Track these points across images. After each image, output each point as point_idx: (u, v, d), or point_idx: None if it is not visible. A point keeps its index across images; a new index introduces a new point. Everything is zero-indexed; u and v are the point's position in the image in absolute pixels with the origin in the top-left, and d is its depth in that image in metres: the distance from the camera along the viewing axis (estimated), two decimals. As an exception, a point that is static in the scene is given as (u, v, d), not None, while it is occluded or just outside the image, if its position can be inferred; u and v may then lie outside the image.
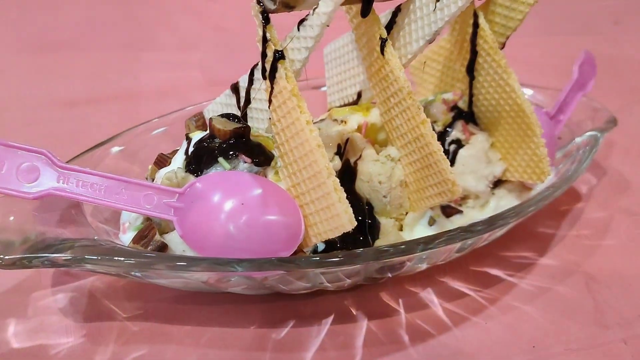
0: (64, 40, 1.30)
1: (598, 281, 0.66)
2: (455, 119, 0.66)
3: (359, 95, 0.65)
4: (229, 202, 0.50)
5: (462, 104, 0.67)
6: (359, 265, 0.52)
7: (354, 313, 0.60)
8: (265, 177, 0.53)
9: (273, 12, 0.48)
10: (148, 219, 0.54)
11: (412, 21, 0.56)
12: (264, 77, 0.50)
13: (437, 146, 0.54)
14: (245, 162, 0.52)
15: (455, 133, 0.65)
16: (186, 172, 0.53)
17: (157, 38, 1.35)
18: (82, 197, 0.50)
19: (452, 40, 0.66)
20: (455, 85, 0.68)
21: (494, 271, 0.67)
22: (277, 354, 0.55)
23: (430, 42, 0.56)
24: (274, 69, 0.49)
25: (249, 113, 0.58)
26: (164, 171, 0.54)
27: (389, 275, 0.58)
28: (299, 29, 0.49)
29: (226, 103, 0.61)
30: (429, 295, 0.63)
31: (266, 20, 0.48)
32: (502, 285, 0.65)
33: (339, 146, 0.60)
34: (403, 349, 0.56)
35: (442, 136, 0.65)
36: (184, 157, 0.54)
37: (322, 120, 0.64)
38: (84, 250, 0.49)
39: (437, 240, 0.52)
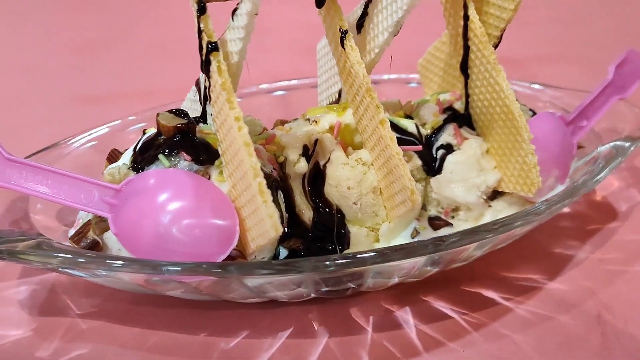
0: (95, 40, 1.34)
1: (613, 313, 0.57)
2: (447, 122, 0.59)
3: (340, 93, 0.61)
4: (160, 201, 0.47)
5: (460, 106, 0.60)
6: (295, 275, 0.47)
7: (316, 328, 0.55)
8: (209, 176, 0.50)
9: (209, 0, 0.45)
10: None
11: (379, 11, 0.50)
12: (201, 70, 0.47)
13: (396, 149, 0.48)
14: (186, 160, 0.50)
15: (445, 137, 0.59)
16: (129, 168, 0.51)
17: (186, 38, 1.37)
18: (26, 190, 0.50)
19: (448, 35, 0.60)
20: (456, 86, 0.61)
21: (489, 293, 0.60)
22: (222, 364, 0.52)
23: (394, 34, 0.50)
24: (207, 61, 0.46)
25: (208, 109, 0.55)
26: (110, 167, 0.52)
27: (351, 285, 0.53)
28: (232, 19, 0.46)
29: (193, 99, 0.59)
30: (404, 315, 0.57)
31: (201, 11, 0.46)
32: (494, 309, 0.58)
33: (306, 147, 0.56)
34: (357, 373, 0.51)
35: (429, 140, 0.59)
36: (132, 153, 0.53)
37: (295, 119, 0.60)
38: (21, 245, 0.48)
39: (391, 254, 0.47)
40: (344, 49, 0.50)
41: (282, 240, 0.57)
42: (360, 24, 0.53)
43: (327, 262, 0.44)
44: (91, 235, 0.49)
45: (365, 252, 0.46)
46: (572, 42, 1.19)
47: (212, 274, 0.44)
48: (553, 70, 1.06)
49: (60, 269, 0.48)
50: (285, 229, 0.56)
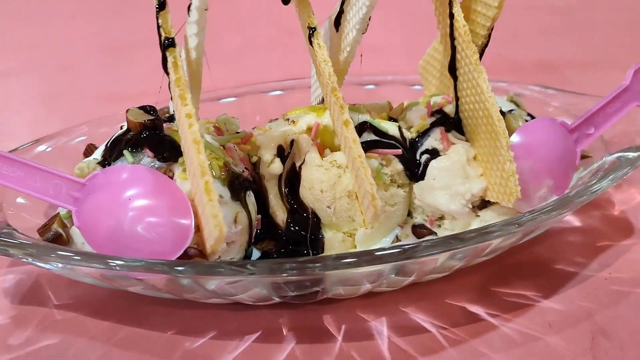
0: (133, 41, 1.36)
1: (610, 337, 0.52)
2: (434, 126, 0.56)
3: (326, 94, 0.59)
4: (117, 197, 0.48)
5: (450, 109, 0.57)
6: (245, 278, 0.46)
7: (284, 333, 0.54)
8: (172, 174, 0.50)
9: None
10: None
11: (350, 8, 0.48)
12: (162, 67, 0.47)
13: (358, 152, 0.46)
14: (149, 157, 0.49)
15: (430, 141, 0.56)
16: (97, 163, 0.52)
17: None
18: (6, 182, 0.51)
19: (440, 35, 0.57)
20: (450, 88, 0.58)
21: (474, 308, 0.56)
22: (183, 364, 0.51)
23: (362, 31, 0.48)
24: (165, 58, 0.45)
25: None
26: (82, 162, 0.53)
27: (316, 290, 0.51)
28: (188, 14, 0.45)
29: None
30: (379, 326, 0.54)
31: (161, 6, 0.45)
32: (476, 325, 0.54)
33: (281, 148, 0.55)
34: (320, 382, 0.49)
35: (413, 144, 0.56)
36: (104, 148, 0.53)
37: (276, 119, 0.59)
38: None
39: (346, 260, 0.45)
40: (312, 46, 0.48)
41: (256, 242, 0.56)
42: (337, 22, 0.51)
43: (248, 267, 0.43)
44: (55, 227, 0.50)
45: (316, 259, 0.44)
46: (613, 47, 1.11)
47: (152, 271, 0.43)
48: (591, 77, 0.99)
49: (20, 259, 0.49)
50: (257, 230, 0.56)
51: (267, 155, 0.54)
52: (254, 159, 0.55)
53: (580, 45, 1.08)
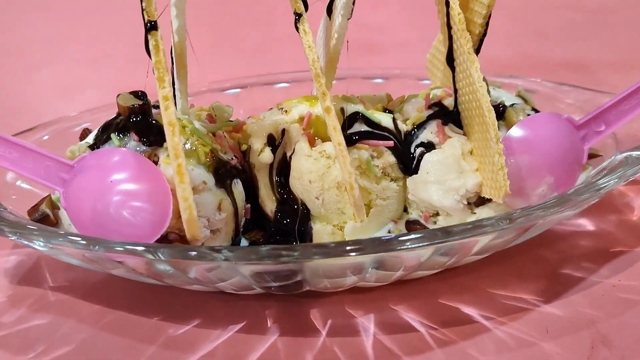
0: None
1: (611, 347, 0.49)
2: (431, 118, 0.54)
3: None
4: (100, 180, 0.48)
5: (449, 102, 0.55)
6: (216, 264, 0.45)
7: (269, 325, 0.53)
8: (157, 158, 0.50)
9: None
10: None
11: (339, -7, 0.48)
12: (145, 49, 0.47)
13: (338, 138, 0.45)
14: (134, 141, 0.50)
15: (426, 134, 0.54)
16: (88, 146, 0.52)
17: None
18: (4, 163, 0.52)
19: (440, 24, 0.55)
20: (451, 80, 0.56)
21: (468, 309, 0.54)
22: (161, 350, 0.51)
23: (347, 17, 0.47)
24: (147, 40, 0.45)
25: (177, 92, 0.55)
26: (75, 145, 0.54)
27: (297, 279, 0.50)
28: (170, -3, 0.45)
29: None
30: (366, 322, 0.53)
31: (143, -11, 0.46)
32: (469, 327, 0.52)
33: (272, 137, 0.54)
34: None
35: (408, 136, 0.54)
36: (96, 132, 0.54)
37: (271, 109, 0.58)
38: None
39: (319, 249, 0.43)
40: (298, 32, 0.47)
41: (245, 231, 0.56)
42: (329, 8, 0.50)
43: (221, 252, 0.42)
44: (42, 208, 0.51)
45: (291, 247, 0.43)
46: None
47: (120, 252, 0.43)
48: (622, 77, 0.94)
49: (9, 237, 0.50)
50: (245, 219, 0.55)
51: (257, 144, 0.54)
52: (244, 147, 0.55)
53: (613, 45, 1.03)
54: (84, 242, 0.45)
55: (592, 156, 0.58)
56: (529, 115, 0.54)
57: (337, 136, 0.45)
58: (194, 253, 0.44)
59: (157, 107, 0.54)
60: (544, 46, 1.01)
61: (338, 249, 0.44)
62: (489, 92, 0.53)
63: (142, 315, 0.55)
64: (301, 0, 0.50)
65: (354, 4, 0.46)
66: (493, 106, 0.54)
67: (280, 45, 1.11)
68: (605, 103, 0.56)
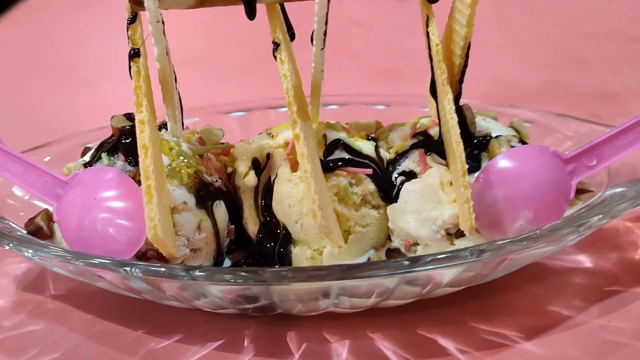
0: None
1: (589, 389, 0.48)
2: (414, 147, 0.55)
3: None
4: (86, 196, 0.51)
5: (435, 132, 0.55)
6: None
7: (245, 344, 0.54)
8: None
9: (138, 9, 0.48)
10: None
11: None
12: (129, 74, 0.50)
13: (304, 166, 0.46)
14: (121, 161, 0.53)
15: (407, 163, 0.54)
16: (83, 164, 0.55)
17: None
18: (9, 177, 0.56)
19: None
20: (441, 110, 0.56)
21: (446, 342, 0.53)
22: (140, 363, 0.53)
23: (319, 47, 0.48)
24: (130, 66, 0.48)
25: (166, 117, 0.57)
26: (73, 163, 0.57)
27: (265, 302, 0.51)
28: (154, 26, 0.48)
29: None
30: (340, 348, 0.53)
31: (132, 20, 0.48)
32: (442, 360, 0.52)
33: (256, 161, 0.56)
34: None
35: (390, 165, 0.55)
36: (93, 151, 0.57)
37: (260, 133, 0.59)
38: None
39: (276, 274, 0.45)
40: (276, 61, 0.49)
41: (229, 251, 0.57)
42: (312, 37, 0.52)
43: (186, 272, 0.44)
44: (37, 221, 0.55)
45: (253, 270, 0.45)
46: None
47: (90, 265, 0.46)
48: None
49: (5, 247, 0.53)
50: (229, 239, 0.57)
51: (242, 167, 0.55)
52: (229, 170, 0.57)
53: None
54: (62, 254, 0.48)
55: (582, 191, 0.56)
56: (513, 147, 0.53)
57: (304, 163, 0.46)
58: (162, 270, 0.46)
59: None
60: (576, 75, 0.98)
61: (298, 274, 0.45)
62: (468, 122, 0.53)
63: (128, 327, 0.57)
64: (286, 31, 0.52)
65: (325, 34, 0.48)
66: (479, 137, 0.54)
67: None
68: (598, 137, 0.54)
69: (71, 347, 0.55)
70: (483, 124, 0.56)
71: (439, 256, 0.46)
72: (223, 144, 0.59)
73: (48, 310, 0.60)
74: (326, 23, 0.47)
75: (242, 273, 0.45)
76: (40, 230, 0.54)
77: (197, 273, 0.45)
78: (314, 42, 0.48)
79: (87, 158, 0.57)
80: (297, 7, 0.54)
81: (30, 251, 0.50)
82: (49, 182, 0.55)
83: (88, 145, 0.61)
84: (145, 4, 0.45)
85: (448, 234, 0.53)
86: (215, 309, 0.54)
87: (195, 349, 0.54)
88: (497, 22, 1.18)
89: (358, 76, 0.99)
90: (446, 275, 0.48)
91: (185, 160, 0.53)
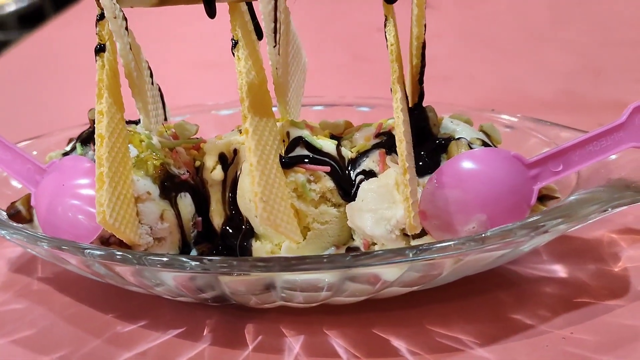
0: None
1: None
2: (376, 147, 0.55)
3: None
4: (56, 182, 0.54)
5: (400, 132, 0.55)
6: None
7: (204, 333, 0.55)
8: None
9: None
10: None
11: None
12: (99, 69, 0.52)
13: (250, 159, 0.47)
14: (92, 151, 0.55)
15: (368, 162, 0.54)
16: (63, 153, 0.59)
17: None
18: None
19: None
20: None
21: (398, 342, 0.53)
22: (103, 344, 0.55)
23: (271, 44, 0.49)
24: (96, 60, 0.51)
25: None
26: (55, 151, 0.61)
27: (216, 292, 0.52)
28: (115, 23, 0.50)
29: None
30: (293, 343, 0.54)
31: (101, 17, 0.51)
32: (391, 360, 0.51)
33: (223, 156, 0.57)
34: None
35: (351, 164, 0.55)
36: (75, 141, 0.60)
37: (233, 130, 0.61)
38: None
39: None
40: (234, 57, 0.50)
41: (197, 242, 0.59)
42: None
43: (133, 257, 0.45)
44: (17, 205, 0.58)
45: (194, 257, 0.46)
46: None
47: (51, 248, 0.49)
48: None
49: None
50: (195, 230, 0.59)
51: (210, 161, 0.57)
52: (197, 164, 0.59)
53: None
54: (30, 236, 0.51)
55: (548, 197, 0.55)
56: (472, 149, 0.53)
57: (250, 157, 0.47)
58: (117, 255, 0.48)
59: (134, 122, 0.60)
60: (592, 85, 0.95)
61: (241, 264, 0.46)
62: (431, 123, 0.53)
63: (100, 310, 0.60)
64: (253, 29, 0.53)
65: (275, 32, 0.49)
66: (441, 138, 0.54)
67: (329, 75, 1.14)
68: (566, 143, 0.53)
69: (45, 326, 0.58)
70: (450, 126, 0.56)
71: (378, 254, 0.46)
72: (197, 138, 0.61)
73: (32, 292, 0.63)
74: (275, 21, 0.48)
75: (187, 261, 0.47)
76: (19, 213, 0.58)
77: (146, 258, 0.47)
78: (267, 40, 0.49)
79: (68, 148, 0.60)
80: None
81: (4, 232, 0.54)
82: (31, 169, 0.58)
83: (73, 137, 0.64)
84: (101, 1, 0.47)
85: (405, 235, 0.53)
86: (175, 297, 0.56)
87: (157, 335, 0.56)
88: (520, 30, 1.16)
89: (368, 80, 0.99)
90: (389, 274, 0.48)
91: (154, 153, 0.56)
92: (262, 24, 0.48)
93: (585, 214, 0.49)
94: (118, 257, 0.48)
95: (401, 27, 0.52)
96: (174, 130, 0.61)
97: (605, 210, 0.51)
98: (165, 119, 0.63)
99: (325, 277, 0.47)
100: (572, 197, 0.53)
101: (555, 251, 0.62)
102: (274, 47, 0.49)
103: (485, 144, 0.54)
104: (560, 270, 0.59)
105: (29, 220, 0.58)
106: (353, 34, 1.15)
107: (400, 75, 0.48)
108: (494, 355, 0.51)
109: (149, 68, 0.59)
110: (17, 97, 1.23)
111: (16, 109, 1.16)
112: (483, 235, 0.47)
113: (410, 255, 0.46)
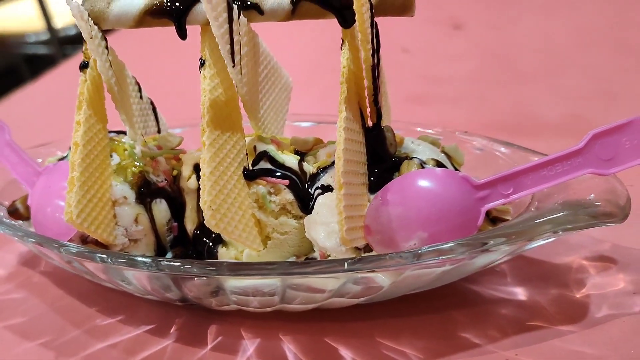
0: None
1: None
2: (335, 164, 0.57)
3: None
4: (45, 184, 0.60)
5: (360, 150, 0.57)
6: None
7: (171, 331, 0.60)
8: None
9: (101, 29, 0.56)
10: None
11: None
12: (85, 84, 0.58)
13: (204, 170, 0.51)
14: (81, 157, 0.61)
15: (326, 178, 0.56)
16: (59, 159, 0.64)
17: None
18: (6, 162, 0.67)
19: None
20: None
21: (346, 352, 0.55)
22: (81, 334, 0.60)
23: (229, 64, 0.53)
24: (81, 76, 0.56)
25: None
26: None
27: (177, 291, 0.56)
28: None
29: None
30: (249, 345, 0.57)
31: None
32: (334, 368, 0.54)
33: (198, 166, 0.61)
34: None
35: (312, 178, 0.58)
36: (73, 147, 0.66)
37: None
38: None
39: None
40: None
41: (173, 246, 0.64)
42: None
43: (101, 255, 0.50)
44: (16, 203, 0.64)
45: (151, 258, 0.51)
46: None
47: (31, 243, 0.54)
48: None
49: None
50: (172, 235, 0.63)
51: (186, 171, 0.61)
52: (174, 172, 0.63)
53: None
54: (19, 233, 0.57)
55: (499, 220, 0.56)
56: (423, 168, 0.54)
57: (204, 167, 0.51)
58: (83, 252, 0.53)
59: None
60: (603, 110, 0.93)
61: (190, 267, 0.50)
62: (387, 143, 0.55)
63: (85, 304, 0.65)
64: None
65: (231, 53, 0.53)
66: (396, 158, 0.56)
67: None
68: (519, 166, 0.54)
69: (36, 315, 0.64)
70: (410, 146, 0.58)
71: (313, 264, 0.48)
72: (179, 149, 0.66)
73: (32, 283, 0.69)
74: (232, 43, 0.52)
75: (143, 260, 0.51)
76: (17, 211, 0.64)
77: (102, 256, 0.52)
78: (225, 60, 0.53)
79: (65, 154, 0.66)
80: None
81: (1, 227, 0.60)
82: (31, 172, 0.64)
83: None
84: (77, 23, 0.53)
85: (357, 249, 0.55)
86: (144, 295, 0.60)
87: (130, 329, 0.61)
88: (543, 53, 1.15)
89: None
90: (329, 284, 0.51)
91: (135, 161, 0.60)
92: (219, 46, 0.52)
93: (535, 234, 0.50)
94: (86, 254, 0.52)
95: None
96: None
97: (556, 232, 0.52)
98: (159, 131, 0.69)
99: (266, 283, 0.50)
100: (522, 218, 0.53)
101: (521, 274, 0.62)
102: (233, 67, 0.53)
103: (439, 165, 0.55)
104: (520, 293, 0.60)
105: (27, 217, 0.64)
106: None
107: (348, 96, 0.51)
108: (440, 373, 0.52)
109: (137, 83, 0.64)
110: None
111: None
112: (419, 251, 0.49)
113: (345, 266, 0.48)
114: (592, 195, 0.55)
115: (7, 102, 1.33)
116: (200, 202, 0.51)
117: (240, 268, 0.50)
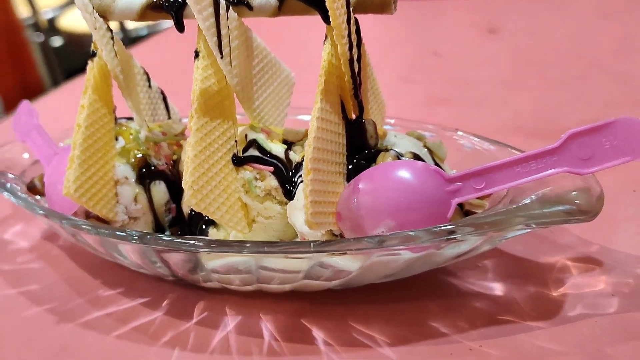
0: None
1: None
2: (318, 153, 0.60)
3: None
4: (57, 162, 0.65)
5: (344, 141, 0.60)
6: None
7: (162, 305, 0.64)
8: (101, 154, 0.65)
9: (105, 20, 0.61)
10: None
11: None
12: (96, 72, 0.63)
13: (189, 152, 0.55)
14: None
15: (309, 166, 0.59)
16: (75, 141, 0.70)
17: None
18: (32, 145, 0.73)
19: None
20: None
21: (318, 333, 0.58)
22: (83, 303, 0.65)
23: (220, 57, 0.56)
24: (89, 64, 0.62)
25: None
26: (73, 139, 0.72)
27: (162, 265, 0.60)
28: (104, 33, 0.60)
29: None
30: (230, 321, 0.61)
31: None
32: (306, 347, 0.57)
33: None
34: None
35: (297, 167, 0.61)
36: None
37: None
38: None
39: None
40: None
41: (171, 226, 0.68)
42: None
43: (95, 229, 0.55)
44: (35, 180, 0.70)
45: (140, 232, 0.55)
46: None
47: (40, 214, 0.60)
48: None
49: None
50: (170, 215, 0.67)
51: (184, 156, 0.65)
52: (174, 157, 0.67)
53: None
54: (30, 205, 0.63)
55: (470, 213, 0.56)
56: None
57: (189, 150, 0.55)
58: (82, 225, 0.58)
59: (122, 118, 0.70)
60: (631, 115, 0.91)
61: (171, 242, 0.54)
62: (367, 135, 0.57)
63: (93, 276, 0.70)
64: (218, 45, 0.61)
65: (218, 45, 0.56)
66: (375, 150, 0.58)
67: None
68: (493, 162, 0.55)
69: (48, 284, 0.70)
70: (392, 139, 0.60)
71: (281, 244, 0.51)
72: (183, 136, 0.71)
73: (50, 255, 0.75)
74: (219, 36, 0.55)
75: (131, 233, 0.55)
76: (35, 187, 0.70)
77: (101, 230, 0.56)
78: (213, 52, 0.56)
79: (81, 137, 0.72)
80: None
81: (17, 200, 0.66)
82: (50, 154, 0.70)
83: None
84: (82, 15, 0.58)
85: (334, 234, 0.57)
86: (139, 269, 0.64)
87: (126, 301, 0.65)
88: (579, 60, 1.13)
89: (405, 102, 1.04)
90: (299, 265, 0.53)
91: (137, 145, 0.65)
92: (207, 38, 0.56)
93: (505, 226, 0.51)
94: (76, 224, 0.58)
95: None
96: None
97: (528, 225, 0.52)
98: (169, 118, 0.73)
99: (240, 261, 0.54)
100: (493, 211, 0.54)
101: (502, 270, 0.63)
102: (221, 58, 0.57)
103: (417, 158, 0.57)
104: (497, 288, 0.61)
105: (43, 193, 0.70)
106: (411, 56, 1.20)
107: (325, 88, 0.53)
108: (397, 355, 0.54)
109: (146, 73, 0.69)
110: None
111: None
112: (383, 236, 0.51)
113: (312, 247, 0.51)
114: (568, 192, 0.55)
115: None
116: (182, 182, 0.55)
117: (214, 244, 0.53)
